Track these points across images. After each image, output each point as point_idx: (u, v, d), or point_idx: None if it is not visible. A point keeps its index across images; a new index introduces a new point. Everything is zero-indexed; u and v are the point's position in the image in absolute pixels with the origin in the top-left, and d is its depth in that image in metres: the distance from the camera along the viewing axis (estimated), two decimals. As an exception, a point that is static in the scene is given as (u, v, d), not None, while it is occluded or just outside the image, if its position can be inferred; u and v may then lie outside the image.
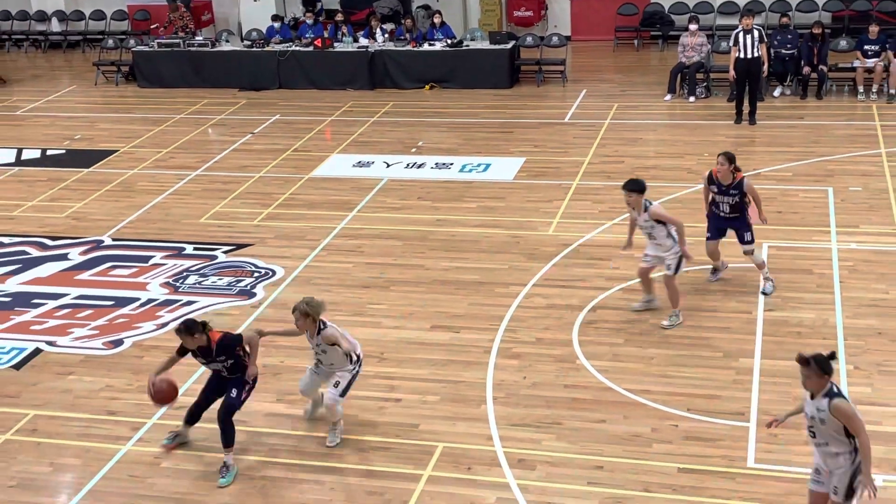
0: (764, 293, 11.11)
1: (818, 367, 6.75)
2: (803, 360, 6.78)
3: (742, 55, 16.75)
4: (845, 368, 9.59)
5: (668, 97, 18.87)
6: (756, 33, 16.73)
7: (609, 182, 14.78)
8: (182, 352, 8.75)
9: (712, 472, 8.26)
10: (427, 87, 20.59)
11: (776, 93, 18.48)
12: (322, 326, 8.76)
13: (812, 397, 6.88)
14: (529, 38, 21.34)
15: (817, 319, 10.52)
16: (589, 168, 15.48)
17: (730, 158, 10.94)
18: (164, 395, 8.70)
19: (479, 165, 15.95)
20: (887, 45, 17.91)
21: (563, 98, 19.55)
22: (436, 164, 16.14)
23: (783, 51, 18.28)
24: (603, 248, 12.63)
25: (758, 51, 16.73)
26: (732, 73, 16.89)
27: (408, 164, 16.15)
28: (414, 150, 16.91)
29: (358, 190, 15.17)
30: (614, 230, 13.13)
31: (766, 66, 17.04)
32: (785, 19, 19.05)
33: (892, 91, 17.70)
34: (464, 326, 10.96)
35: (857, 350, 9.88)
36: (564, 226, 13.42)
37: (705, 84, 18.91)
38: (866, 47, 18.09)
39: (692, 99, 18.65)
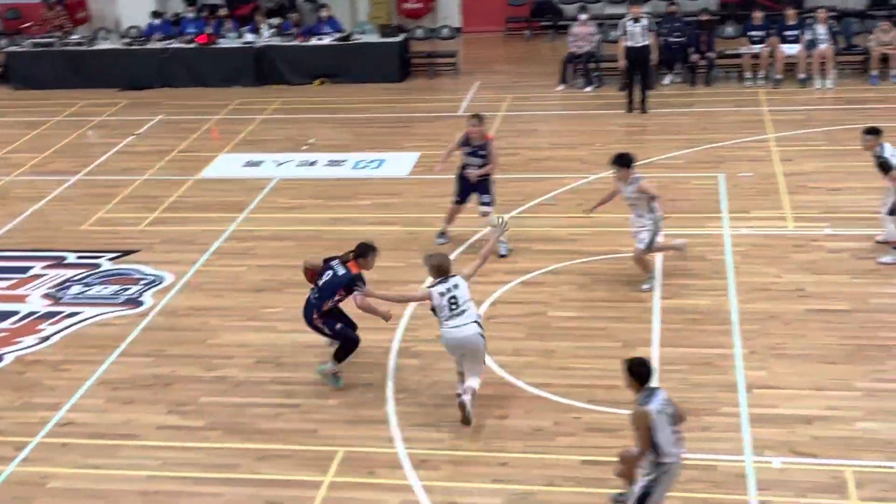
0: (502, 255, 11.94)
1: None
2: None
3: (631, 44, 17.09)
4: (741, 353, 9.86)
5: (561, 87, 19.13)
6: (645, 22, 17.10)
7: (505, 175, 14.85)
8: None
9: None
10: (317, 82, 20.43)
11: (666, 81, 18.90)
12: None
13: None
14: (420, 31, 21.38)
15: (712, 305, 10.79)
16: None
17: (480, 118, 11.92)
18: None
19: (372, 162, 15.90)
20: (772, 31, 18.47)
21: (456, 91, 19.63)
22: (328, 161, 16.04)
23: (671, 39, 18.70)
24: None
25: (647, 39, 17.10)
26: (623, 61, 17.21)
27: (299, 163, 16.01)
28: (305, 147, 16.77)
29: (248, 190, 14.97)
30: (511, 223, 13.20)
31: (655, 55, 17.43)
32: (673, 7, 19.50)
33: (777, 76, 18.26)
34: (362, 327, 10.84)
35: (752, 335, 10.17)
36: (461, 221, 13.44)
37: (596, 74, 19.21)
38: (752, 33, 18.64)
39: (588, 89, 18.93)
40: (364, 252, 9.62)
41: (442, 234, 12.75)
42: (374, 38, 20.53)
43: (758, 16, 18.64)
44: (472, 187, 12.44)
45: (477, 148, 12.25)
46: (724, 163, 14.81)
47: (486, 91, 19.33)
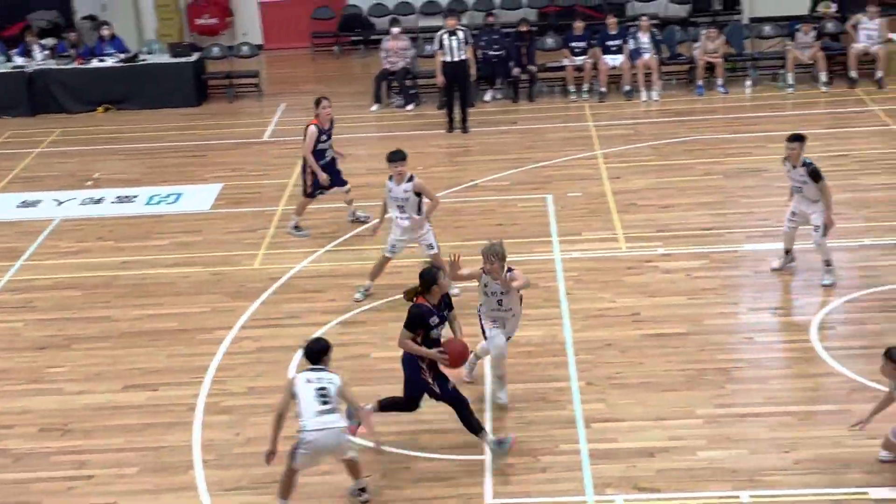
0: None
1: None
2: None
3: (448, 59, 17.37)
4: (577, 385, 10.11)
5: (375, 107, 19.26)
6: (461, 35, 17.43)
7: (318, 205, 14.84)
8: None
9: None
10: (100, 109, 19.90)
11: (487, 97, 19.30)
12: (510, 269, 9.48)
13: None
14: (216, 49, 21.13)
15: (546, 336, 11.04)
16: (294, 191, 15.48)
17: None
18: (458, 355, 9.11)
19: (168, 196, 15.58)
20: (594, 42, 19.16)
21: (260, 114, 19.49)
22: (117, 197, 15.62)
23: (490, 52, 19.14)
24: (317, 278, 12.67)
25: (464, 53, 17.43)
26: (440, 78, 17.48)
27: (83, 201, 15.53)
28: (89, 183, 16.29)
29: (25, 234, 14.41)
30: (326, 258, 13.21)
31: (473, 70, 17.80)
32: (490, 18, 19.98)
33: (602, 89, 18.94)
34: (162, 383, 10.63)
35: (589, 365, 10.45)
36: (272, 257, 13.35)
37: (413, 91, 19.45)
38: (573, 44, 19.27)
39: (409, 107, 19.12)
40: (429, 285, 9.08)
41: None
42: (164, 58, 20.16)
43: (579, 26, 19.30)
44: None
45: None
46: (551, 182, 15.23)
47: (294, 113, 19.27)
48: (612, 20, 19.22)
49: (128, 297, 12.55)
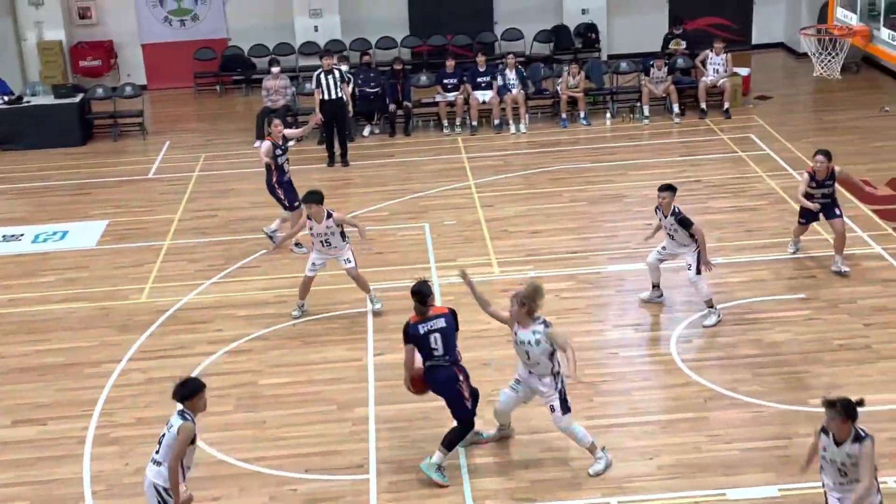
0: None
1: (843, 412, 7.08)
2: (828, 404, 7.08)
3: (326, 97, 17.39)
4: (457, 403, 10.17)
5: (258, 143, 19.08)
6: (337, 73, 17.47)
7: (204, 238, 14.68)
8: None
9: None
10: (-15, 150, 19.30)
11: (365, 132, 19.35)
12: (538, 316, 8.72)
13: (837, 443, 7.18)
14: (100, 90, 20.71)
15: (426, 358, 11.07)
16: (181, 226, 15.28)
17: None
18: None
19: (54, 234, 15.19)
20: (464, 78, 19.39)
21: (145, 152, 19.16)
22: (2, 236, 15.16)
23: (367, 89, 19.20)
24: (204, 310, 12.51)
25: (341, 91, 17.47)
26: (318, 115, 17.44)
27: (-31, 240, 15.04)
28: (-24, 223, 15.78)
29: None
30: (213, 290, 13.05)
31: (350, 107, 17.84)
32: (366, 58, 20.05)
33: (473, 123, 19.16)
34: (51, 417, 10.35)
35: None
36: (159, 290, 13.12)
37: (294, 127, 19.33)
38: (445, 81, 19.47)
39: (291, 143, 18.91)
40: (424, 299, 9.01)
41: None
42: (48, 99, 19.67)
43: (450, 64, 19.51)
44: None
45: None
46: (427, 212, 15.33)
47: (178, 151, 19.00)
48: (481, 58, 19.49)
49: (16, 333, 12.19)
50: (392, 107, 19.22)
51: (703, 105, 19.17)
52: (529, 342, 8.79)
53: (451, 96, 19.37)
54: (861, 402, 7.19)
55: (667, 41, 20.75)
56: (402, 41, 22.86)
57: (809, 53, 17.17)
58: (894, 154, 16.52)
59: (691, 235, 11.40)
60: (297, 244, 14.02)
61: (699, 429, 9.60)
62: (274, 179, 13.99)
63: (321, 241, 11.96)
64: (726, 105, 19.13)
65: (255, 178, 17.53)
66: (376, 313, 12.12)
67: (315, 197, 11.88)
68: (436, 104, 19.54)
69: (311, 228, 11.93)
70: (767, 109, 19.39)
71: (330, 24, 22.46)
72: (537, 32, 22.69)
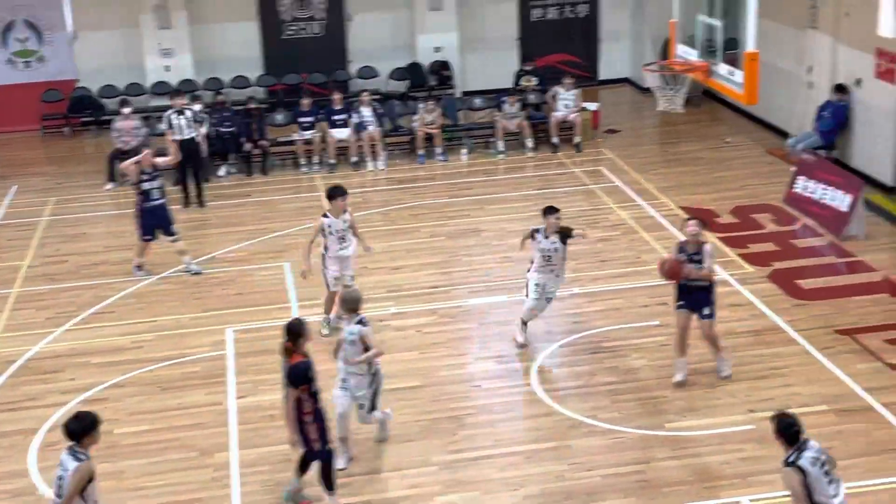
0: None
1: (775, 429, 7.40)
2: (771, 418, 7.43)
3: (178, 137, 17.08)
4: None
5: (110, 185, 18.62)
6: (189, 113, 17.21)
7: (55, 285, 14.19)
8: None
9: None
10: None
11: (221, 172, 19.06)
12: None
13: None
14: (-59, 133, 19.87)
15: (289, 399, 10.92)
16: (29, 272, 14.77)
17: None
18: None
19: None
20: (321, 117, 19.34)
21: (-10, 197, 18.46)
22: None
23: (222, 129, 18.94)
24: (56, 359, 12.10)
25: (193, 131, 17.20)
26: (174, 157, 17.10)
27: None
28: None
29: None
30: (66, 337, 12.61)
31: (205, 146, 17.58)
32: (220, 97, 19.81)
33: (331, 161, 19.11)
34: None
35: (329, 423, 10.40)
36: (7, 340, 12.62)
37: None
38: (302, 119, 19.36)
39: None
40: (297, 337, 9.09)
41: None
42: None
43: (306, 102, 19.43)
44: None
45: None
46: (287, 251, 15.18)
47: (25, 195, 18.35)
48: (337, 96, 19.45)
49: None
50: (248, 146, 19.01)
51: (555, 139, 19.59)
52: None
53: (307, 134, 19.28)
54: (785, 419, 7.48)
55: (518, 77, 21.19)
56: (258, 80, 22.68)
57: (653, 88, 17.75)
58: (736, 183, 17.20)
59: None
60: (138, 267, 14.25)
61: (562, 457, 9.74)
62: (138, 203, 14.22)
63: (339, 238, 12.15)
64: (577, 139, 19.59)
65: (108, 221, 17.11)
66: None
67: (341, 190, 12.23)
68: (293, 142, 19.42)
69: (329, 226, 12.08)
70: (616, 142, 19.96)
71: (182, 64, 22.13)
72: (392, 70, 22.85)
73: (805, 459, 7.26)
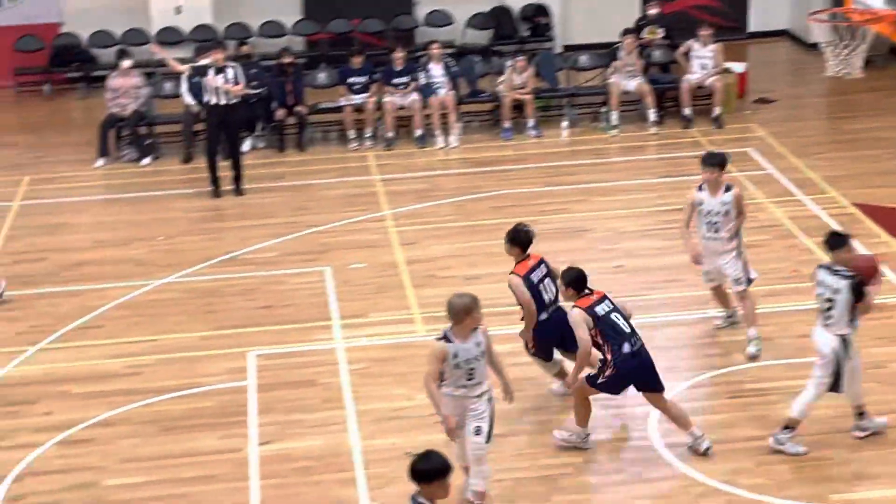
0: None
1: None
2: None
3: (214, 101, 17.11)
4: (369, 507, 10.14)
5: (101, 161, 18.93)
6: (231, 72, 17.07)
7: (27, 290, 14.45)
8: None
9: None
10: None
11: (246, 146, 19.21)
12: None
13: None
14: None
15: (327, 447, 11.01)
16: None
17: None
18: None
19: None
20: (376, 76, 19.40)
21: (-53, 174, 18.91)
22: None
23: (248, 91, 19.10)
24: (28, 386, 12.35)
25: (230, 97, 17.08)
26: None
27: None
28: None
29: None
30: (40, 359, 12.84)
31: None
32: (245, 48, 20.01)
33: (388, 134, 19.18)
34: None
35: (382, 481, 10.46)
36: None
37: (149, 141, 19.23)
38: (352, 80, 19.46)
39: (146, 161, 18.85)
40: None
41: None
42: None
43: (357, 60, 19.46)
44: None
45: None
46: (329, 252, 15.30)
47: (-7, 172, 18.79)
48: (398, 55, 19.32)
49: None
50: (280, 113, 19.19)
51: (688, 110, 19.47)
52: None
53: (358, 99, 19.40)
54: None
55: (639, 27, 21.06)
56: (294, 27, 22.91)
57: (822, 45, 17.55)
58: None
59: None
60: None
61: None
62: None
63: (709, 223, 12.28)
64: (717, 111, 19.46)
65: (97, 207, 17.39)
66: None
67: (716, 158, 12.37)
68: (339, 110, 19.55)
69: (700, 203, 12.26)
70: (769, 116, 19.78)
71: (197, 5, 22.43)
72: (471, 16, 22.93)
73: None
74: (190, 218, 16.77)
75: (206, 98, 17.31)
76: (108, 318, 13.79)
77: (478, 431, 9.52)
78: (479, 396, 9.51)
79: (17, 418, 11.74)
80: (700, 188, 12.31)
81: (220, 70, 17.19)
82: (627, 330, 10.42)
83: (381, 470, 10.62)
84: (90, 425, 11.57)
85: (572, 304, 10.54)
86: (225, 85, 17.01)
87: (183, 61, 18.69)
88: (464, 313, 9.34)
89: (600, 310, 10.39)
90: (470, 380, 9.46)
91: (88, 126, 19.95)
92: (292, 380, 12.15)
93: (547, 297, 11.11)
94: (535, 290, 11.02)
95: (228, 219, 16.75)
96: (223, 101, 17.18)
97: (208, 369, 12.50)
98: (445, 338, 9.42)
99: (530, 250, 11.19)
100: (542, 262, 11.16)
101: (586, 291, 10.51)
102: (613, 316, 10.40)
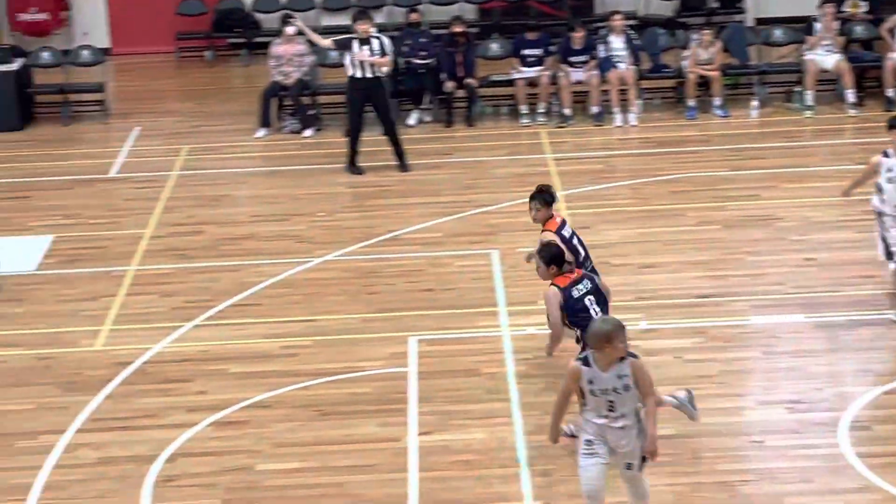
0: None
1: None
2: None
3: (359, 74, 17.28)
4: (534, 506, 10.13)
5: (262, 132, 19.24)
6: (377, 44, 17.17)
7: (183, 264, 14.77)
8: None
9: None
10: None
11: (411, 120, 19.39)
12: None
13: None
14: (47, 54, 21.02)
15: (490, 440, 11.01)
16: (152, 245, 15.42)
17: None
18: None
19: (-22, 252, 15.42)
20: (552, 49, 19.36)
21: (106, 141, 19.40)
22: None
23: (416, 61, 19.25)
24: (182, 363, 12.59)
25: (377, 69, 17.20)
26: None
27: None
28: None
29: None
30: (195, 335, 13.11)
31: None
32: (415, 16, 20.14)
33: (564, 111, 19.13)
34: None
35: (547, 480, 10.40)
36: (120, 335, 13.22)
37: (312, 111, 19.47)
38: (526, 52, 19.45)
39: (308, 132, 19.14)
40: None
41: None
42: (-27, 66, 20.04)
43: (532, 35, 19.38)
44: None
45: None
46: (497, 234, 15.32)
47: (151, 140, 19.21)
48: (578, 33, 19.20)
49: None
50: (450, 85, 19.27)
51: (891, 92, 19.04)
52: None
53: (532, 72, 19.38)
54: None
55: (840, 1, 20.65)
56: (466, -6, 22.97)
57: None
58: None
59: None
60: None
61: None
62: None
63: None
64: (923, 92, 19.03)
65: (255, 180, 17.67)
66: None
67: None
68: (511, 83, 19.56)
69: (889, 170, 12.29)
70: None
71: (365, -31, 22.64)
72: (655, -15, 22.73)
73: None
74: (352, 193, 16.94)
75: (350, 72, 17.43)
76: (264, 295, 14.02)
77: (629, 467, 9.13)
78: (622, 429, 8.97)
79: (171, 396, 11.98)
80: (886, 154, 12.05)
81: (364, 42, 17.30)
82: (597, 314, 10.52)
83: (548, 468, 10.58)
84: (245, 407, 11.77)
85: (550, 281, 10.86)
86: (370, 58, 17.14)
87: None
88: (604, 341, 8.75)
89: (576, 291, 10.71)
90: (611, 411, 8.96)
91: (250, 95, 20.30)
92: (455, 368, 12.19)
93: (583, 251, 11.95)
94: (569, 244, 11.74)
95: (392, 196, 16.87)
96: (369, 74, 17.31)
97: (367, 353, 12.61)
98: (585, 360, 8.95)
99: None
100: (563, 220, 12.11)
101: (566, 269, 10.91)
102: (587, 299, 10.68)
